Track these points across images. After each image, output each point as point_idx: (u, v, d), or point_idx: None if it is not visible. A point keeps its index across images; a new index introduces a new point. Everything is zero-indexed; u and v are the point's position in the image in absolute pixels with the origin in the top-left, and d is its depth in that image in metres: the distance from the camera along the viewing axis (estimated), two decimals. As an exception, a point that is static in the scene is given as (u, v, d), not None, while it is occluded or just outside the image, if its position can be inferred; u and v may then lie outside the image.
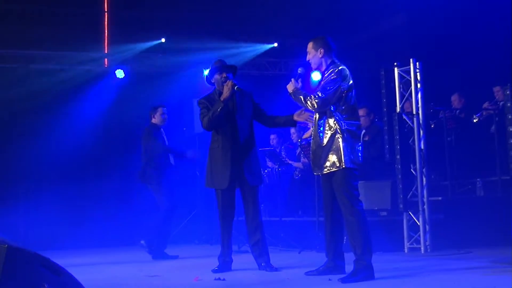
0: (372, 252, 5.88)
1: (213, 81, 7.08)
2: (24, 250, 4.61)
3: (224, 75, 6.94)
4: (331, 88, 5.87)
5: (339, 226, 6.20)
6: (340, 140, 5.85)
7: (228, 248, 7.03)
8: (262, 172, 7.17)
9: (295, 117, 6.78)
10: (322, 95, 5.88)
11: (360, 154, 5.94)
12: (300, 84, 6.27)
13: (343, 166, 5.83)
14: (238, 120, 6.87)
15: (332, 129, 5.90)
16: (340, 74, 5.90)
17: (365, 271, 5.76)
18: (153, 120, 9.33)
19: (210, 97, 7.00)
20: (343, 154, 5.83)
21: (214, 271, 6.87)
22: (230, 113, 6.86)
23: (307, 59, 6.20)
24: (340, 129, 5.86)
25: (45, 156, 12.14)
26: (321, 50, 6.07)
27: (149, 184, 9.18)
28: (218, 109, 6.75)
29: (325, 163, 5.93)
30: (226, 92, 6.77)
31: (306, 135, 6.90)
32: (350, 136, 5.88)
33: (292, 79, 6.20)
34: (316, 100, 5.88)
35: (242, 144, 6.85)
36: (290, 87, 6.16)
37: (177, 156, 9.32)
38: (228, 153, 6.81)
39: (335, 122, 5.88)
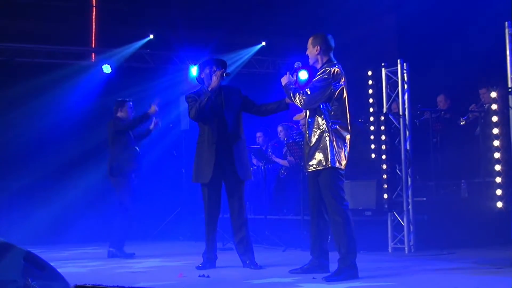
0: (356, 252, 5.91)
1: (202, 76, 7.03)
2: (7, 244, 4.58)
3: (214, 68, 6.90)
4: (320, 87, 5.88)
5: (324, 225, 6.21)
6: (327, 139, 5.86)
7: (212, 245, 7.02)
8: (250, 168, 7.13)
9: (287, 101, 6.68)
10: (310, 92, 5.89)
11: (345, 155, 5.95)
12: (294, 78, 6.29)
13: (329, 165, 5.85)
14: (226, 115, 6.84)
15: (320, 128, 5.91)
16: (332, 75, 5.90)
17: (349, 271, 5.78)
18: (119, 114, 9.13)
19: (199, 92, 6.97)
20: (330, 154, 5.84)
21: (199, 268, 6.87)
22: (218, 108, 6.83)
23: (306, 53, 6.20)
24: (328, 128, 5.87)
25: (29, 151, 12.07)
26: (318, 47, 6.06)
27: (114, 177, 8.97)
28: (205, 99, 6.73)
29: (311, 161, 5.95)
30: (214, 82, 6.76)
31: (299, 117, 6.83)
32: (337, 136, 5.90)
33: (288, 72, 6.21)
34: (304, 97, 5.90)
35: (229, 139, 6.82)
36: (284, 80, 6.17)
37: (143, 120, 9.01)
38: (213, 148, 6.79)
39: (323, 121, 5.90)
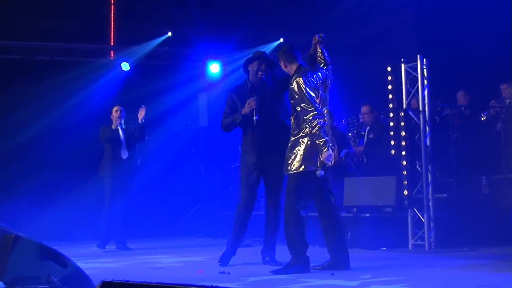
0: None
1: (249, 69, 6.92)
2: (30, 241, 4.62)
3: (263, 67, 6.79)
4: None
5: (334, 221, 6.23)
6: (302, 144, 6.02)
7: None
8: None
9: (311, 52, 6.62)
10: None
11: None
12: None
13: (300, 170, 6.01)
14: (271, 112, 6.73)
15: (298, 132, 6.07)
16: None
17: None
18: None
19: (240, 90, 6.91)
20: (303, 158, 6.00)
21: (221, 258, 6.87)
22: (262, 109, 6.70)
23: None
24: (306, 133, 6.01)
25: (49, 148, 12.14)
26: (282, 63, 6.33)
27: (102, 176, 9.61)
28: (237, 121, 6.75)
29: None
30: (246, 109, 6.66)
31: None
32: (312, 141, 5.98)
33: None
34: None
35: (273, 137, 6.68)
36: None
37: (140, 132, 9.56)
38: (254, 154, 6.77)
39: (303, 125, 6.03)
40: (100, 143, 9.81)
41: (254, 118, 6.63)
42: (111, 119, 9.65)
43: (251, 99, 6.64)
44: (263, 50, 12.09)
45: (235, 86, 7.15)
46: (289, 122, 6.38)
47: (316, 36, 6.37)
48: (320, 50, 6.35)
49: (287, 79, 6.50)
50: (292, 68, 6.24)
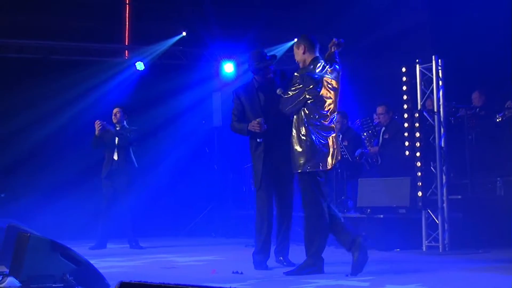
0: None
1: (256, 66, 6.81)
2: (45, 240, 4.66)
3: (262, 64, 6.72)
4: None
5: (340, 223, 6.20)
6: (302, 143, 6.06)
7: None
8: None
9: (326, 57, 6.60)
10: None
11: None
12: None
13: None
14: (277, 111, 6.57)
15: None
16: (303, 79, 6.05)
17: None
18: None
19: (247, 89, 6.87)
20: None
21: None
22: (269, 107, 6.65)
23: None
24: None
25: (64, 147, 12.19)
26: (301, 49, 6.21)
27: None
28: (243, 134, 6.79)
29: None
30: (255, 128, 6.59)
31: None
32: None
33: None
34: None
35: (280, 135, 6.62)
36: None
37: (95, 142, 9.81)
38: (261, 154, 6.72)
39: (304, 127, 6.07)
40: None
41: (258, 140, 6.71)
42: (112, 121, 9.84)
43: (256, 122, 6.57)
44: (272, 49, 12.12)
45: (243, 84, 7.14)
46: None
47: (335, 40, 6.28)
48: (333, 53, 6.28)
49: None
50: (308, 58, 6.14)
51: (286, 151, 6.41)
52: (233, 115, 6.90)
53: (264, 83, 6.76)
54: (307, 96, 6.02)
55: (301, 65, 6.21)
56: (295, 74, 6.16)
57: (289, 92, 6.12)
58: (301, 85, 6.04)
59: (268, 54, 6.87)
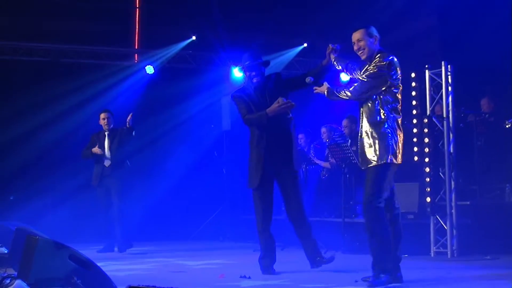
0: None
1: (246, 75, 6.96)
2: (54, 243, 4.67)
3: (253, 73, 6.76)
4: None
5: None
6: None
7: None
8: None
9: (324, 63, 6.54)
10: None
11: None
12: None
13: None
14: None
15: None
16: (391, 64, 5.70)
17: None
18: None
19: (246, 91, 6.87)
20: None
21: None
22: (264, 106, 6.65)
23: (357, 48, 5.77)
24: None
25: (73, 150, 12.21)
26: (376, 37, 5.77)
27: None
28: (263, 121, 6.58)
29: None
30: (276, 109, 6.53)
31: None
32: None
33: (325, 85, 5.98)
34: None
35: (277, 134, 6.66)
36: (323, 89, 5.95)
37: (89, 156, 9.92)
38: (261, 151, 6.67)
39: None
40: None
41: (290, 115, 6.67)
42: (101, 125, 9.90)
43: (281, 100, 6.51)
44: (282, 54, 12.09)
45: (240, 88, 7.14)
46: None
47: (330, 45, 6.19)
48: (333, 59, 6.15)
49: (296, 79, 6.72)
50: (373, 49, 5.73)
51: (286, 152, 6.58)
52: (242, 112, 6.78)
53: (257, 85, 6.76)
54: (390, 83, 5.69)
55: (368, 54, 5.72)
56: (375, 61, 5.65)
57: (366, 78, 5.67)
58: (383, 72, 5.63)
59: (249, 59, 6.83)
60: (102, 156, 9.69)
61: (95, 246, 9.62)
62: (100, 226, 10.45)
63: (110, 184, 9.65)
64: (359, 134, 5.80)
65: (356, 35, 5.72)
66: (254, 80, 6.76)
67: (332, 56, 6.19)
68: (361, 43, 5.70)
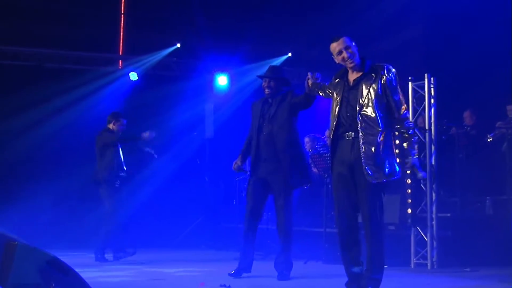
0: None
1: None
2: (33, 248, 4.62)
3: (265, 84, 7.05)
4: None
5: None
6: None
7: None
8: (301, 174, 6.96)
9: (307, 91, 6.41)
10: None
11: None
12: None
13: None
14: (272, 125, 6.89)
15: None
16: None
17: None
18: (111, 126, 9.54)
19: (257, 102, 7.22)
20: None
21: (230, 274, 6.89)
22: (267, 120, 6.94)
23: (347, 56, 5.41)
24: None
25: (54, 155, 12.18)
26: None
27: (100, 186, 9.42)
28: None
29: None
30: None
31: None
32: None
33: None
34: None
35: (274, 148, 6.84)
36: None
37: (131, 141, 9.60)
38: (258, 163, 6.94)
39: None
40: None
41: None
42: (109, 129, 9.56)
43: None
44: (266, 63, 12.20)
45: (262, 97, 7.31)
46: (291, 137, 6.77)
47: (309, 74, 6.05)
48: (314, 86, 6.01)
49: (302, 100, 6.72)
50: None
51: (275, 162, 6.72)
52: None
53: (268, 97, 7.07)
54: None
55: (357, 62, 5.40)
56: (392, 73, 5.37)
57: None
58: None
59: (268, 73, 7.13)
60: (119, 156, 9.46)
61: (78, 253, 9.55)
62: (82, 233, 10.42)
63: (96, 192, 9.56)
64: None
65: (341, 44, 5.42)
66: (266, 92, 7.05)
67: (313, 84, 6.02)
68: (350, 50, 5.40)
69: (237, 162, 7.22)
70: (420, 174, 5.36)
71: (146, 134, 9.25)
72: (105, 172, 9.33)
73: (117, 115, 9.61)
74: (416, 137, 5.46)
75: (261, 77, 7.17)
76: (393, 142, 5.37)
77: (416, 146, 5.42)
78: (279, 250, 6.94)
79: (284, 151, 6.80)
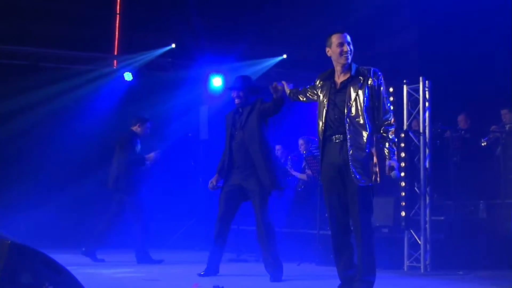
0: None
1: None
2: (26, 248, 4.60)
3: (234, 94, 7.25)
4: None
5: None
6: None
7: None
8: (274, 177, 7.03)
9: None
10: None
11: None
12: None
13: None
14: (244, 134, 7.07)
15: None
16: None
17: None
18: (135, 128, 9.40)
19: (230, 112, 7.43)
20: None
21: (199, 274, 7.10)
22: (238, 129, 7.13)
23: (347, 50, 5.44)
24: None
25: (49, 154, 12.14)
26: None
27: (121, 190, 9.29)
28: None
29: None
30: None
31: None
32: None
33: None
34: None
35: (247, 156, 7.02)
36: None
37: (141, 164, 9.38)
38: (231, 171, 7.17)
39: None
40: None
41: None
42: (135, 131, 9.40)
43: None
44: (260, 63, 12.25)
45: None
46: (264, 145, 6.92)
47: (285, 83, 6.17)
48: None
49: (270, 106, 6.84)
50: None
51: (249, 167, 6.93)
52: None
53: (238, 107, 7.27)
54: None
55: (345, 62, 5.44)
56: (378, 76, 5.42)
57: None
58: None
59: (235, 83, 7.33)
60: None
61: (69, 252, 9.51)
62: (73, 232, 10.39)
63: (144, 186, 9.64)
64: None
65: (345, 37, 5.47)
66: (236, 102, 7.24)
67: (291, 91, 6.08)
68: (350, 46, 5.46)
69: (213, 181, 7.42)
70: (394, 172, 5.35)
71: (151, 156, 9.32)
72: (125, 178, 9.27)
73: (143, 119, 9.48)
74: (396, 139, 5.46)
75: (230, 88, 7.39)
76: (379, 145, 5.38)
77: (395, 150, 5.43)
78: (264, 252, 6.95)
79: (257, 156, 6.96)
